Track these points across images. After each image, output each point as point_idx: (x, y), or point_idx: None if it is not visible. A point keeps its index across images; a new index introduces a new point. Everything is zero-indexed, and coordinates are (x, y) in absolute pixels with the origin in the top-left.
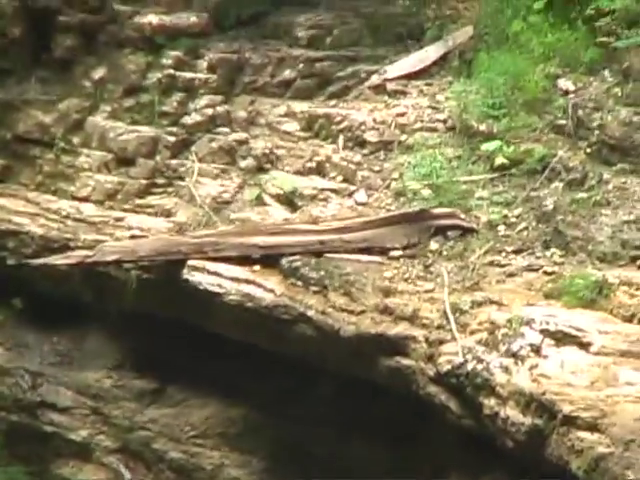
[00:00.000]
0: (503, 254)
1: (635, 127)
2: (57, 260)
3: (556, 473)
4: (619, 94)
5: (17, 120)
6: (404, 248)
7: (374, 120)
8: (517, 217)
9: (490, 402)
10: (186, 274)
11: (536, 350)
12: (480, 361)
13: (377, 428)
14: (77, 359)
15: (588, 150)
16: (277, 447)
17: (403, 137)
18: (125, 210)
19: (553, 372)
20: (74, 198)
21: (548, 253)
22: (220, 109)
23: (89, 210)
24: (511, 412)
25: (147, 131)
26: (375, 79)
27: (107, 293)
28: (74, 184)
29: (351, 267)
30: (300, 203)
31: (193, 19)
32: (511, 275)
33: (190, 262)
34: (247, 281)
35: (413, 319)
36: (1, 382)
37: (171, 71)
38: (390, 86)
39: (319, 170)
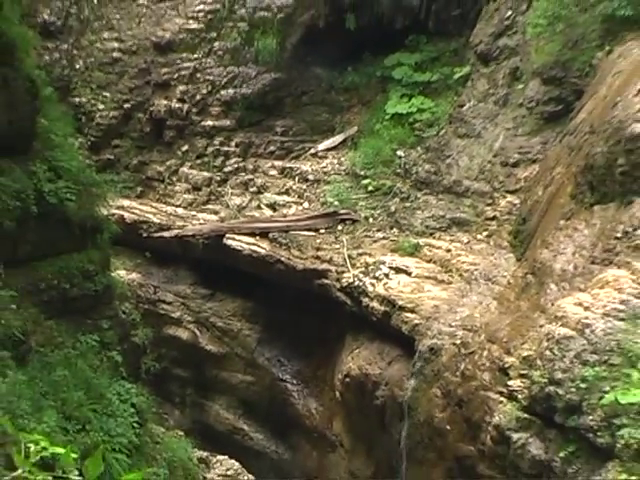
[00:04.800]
0: (371, 232)
1: (431, 172)
2: (165, 234)
3: (396, 332)
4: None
5: (147, 169)
6: (326, 229)
7: (312, 170)
8: (378, 215)
9: (365, 299)
10: (225, 241)
11: (386, 276)
12: (361, 281)
13: (315, 313)
14: (174, 280)
15: (410, 184)
16: (268, 321)
17: (326, 177)
18: (197, 211)
19: (395, 286)
20: (173, 205)
21: (392, 232)
22: (241, 164)
23: (180, 211)
24: (375, 304)
25: (207, 175)
26: (312, 151)
27: (188, 250)
28: (173, 199)
29: (301, 237)
30: (278, 208)
31: (228, 122)
32: (375, 241)
33: (227, 235)
34: (253, 244)
35: (330, 262)
36: (140, 290)
37: (218, 147)
38: (320, 154)
39: (287, 193)
